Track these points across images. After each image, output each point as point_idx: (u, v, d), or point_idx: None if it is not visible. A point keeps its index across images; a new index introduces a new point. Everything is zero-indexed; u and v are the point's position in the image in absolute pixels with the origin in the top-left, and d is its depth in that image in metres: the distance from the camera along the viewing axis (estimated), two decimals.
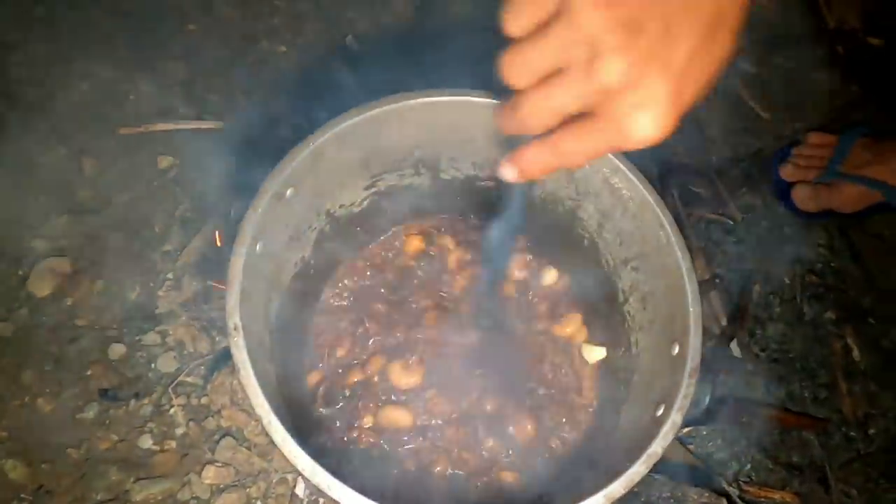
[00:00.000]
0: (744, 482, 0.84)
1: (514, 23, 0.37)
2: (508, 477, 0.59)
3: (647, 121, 0.36)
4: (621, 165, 0.60)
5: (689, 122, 1.12)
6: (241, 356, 0.47)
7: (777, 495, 0.84)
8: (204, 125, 0.92)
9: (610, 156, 0.60)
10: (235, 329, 0.48)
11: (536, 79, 0.37)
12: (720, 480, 0.75)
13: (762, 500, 0.82)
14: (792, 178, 1.04)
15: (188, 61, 0.98)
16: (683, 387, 0.50)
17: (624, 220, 0.62)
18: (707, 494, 0.66)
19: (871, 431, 0.93)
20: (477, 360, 0.63)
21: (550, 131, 0.40)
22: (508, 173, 0.43)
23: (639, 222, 0.60)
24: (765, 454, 0.87)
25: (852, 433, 0.92)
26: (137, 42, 0.96)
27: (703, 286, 0.91)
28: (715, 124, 1.12)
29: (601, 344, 0.65)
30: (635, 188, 0.59)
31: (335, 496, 0.44)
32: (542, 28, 0.36)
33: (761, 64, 1.20)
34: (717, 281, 0.94)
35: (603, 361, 0.66)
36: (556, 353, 0.65)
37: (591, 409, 0.66)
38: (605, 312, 0.66)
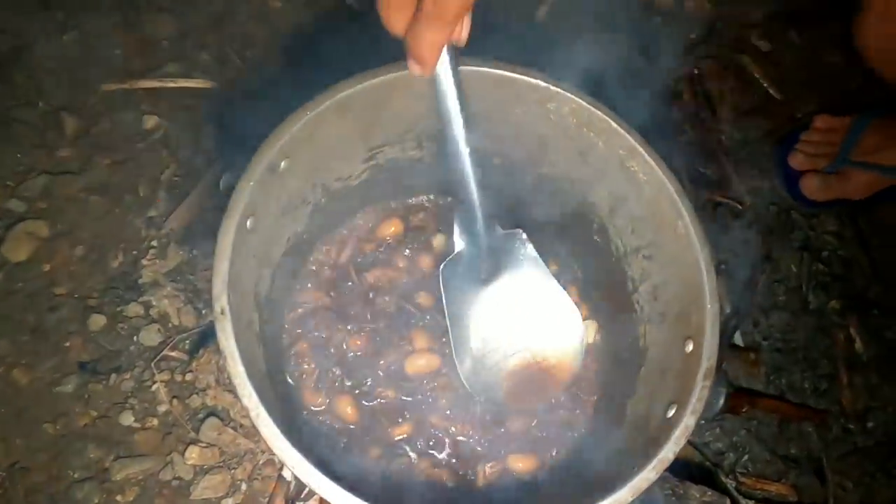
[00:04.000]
0: (741, 473, 0.83)
1: None
2: (518, 462, 0.57)
3: None
4: (638, 147, 0.56)
5: (700, 100, 1.08)
6: (228, 344, 0.43)
7: (773, 487, 0.82)
8: (193, 84, 0.87)
9: (627, 136, 0.57)
10: (223, 313, 0.45)
11: None
12: (719, 472, 0.73)
13: (758, 492, 0.81)
14: (801, 168, 1.01)
15: (178, 15, 0.92)
16: (697, 389, 0.47)
17: (638, 205, 0.58)
18: (710, 493, 0.64)
19: (870, 425, 0.92)
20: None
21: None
22: (414, 68, 0.44)
23: (654, 209, 0.56)
24: (763, 445, 0.85)
25: (851, 426, 0.91)
26: None
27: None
28: (725, 103, 1.09)
29: (608, 330, 0.63)
30: (652, 172, 0.56)
31: (325, 495, 0.42)
32: None
33: (775, 41, 1.16)
34: (723, 267, 0.92)
35: (608, 349, 0.63)
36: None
37: (594, 398, 0.63)
38: (611, 298, 0.63)
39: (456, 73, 0.46)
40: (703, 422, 0.81)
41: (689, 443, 0.76)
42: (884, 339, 0.96)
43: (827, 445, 0.88)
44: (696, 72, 1.10)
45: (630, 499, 0.43)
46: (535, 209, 0.67)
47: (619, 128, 0.56)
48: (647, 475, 0.44)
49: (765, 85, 1.12)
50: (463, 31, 0.44)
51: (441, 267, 0.57)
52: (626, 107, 0.93)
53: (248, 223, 0.50)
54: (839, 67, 1.16)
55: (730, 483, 0.79)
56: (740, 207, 0.99)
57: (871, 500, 0.86)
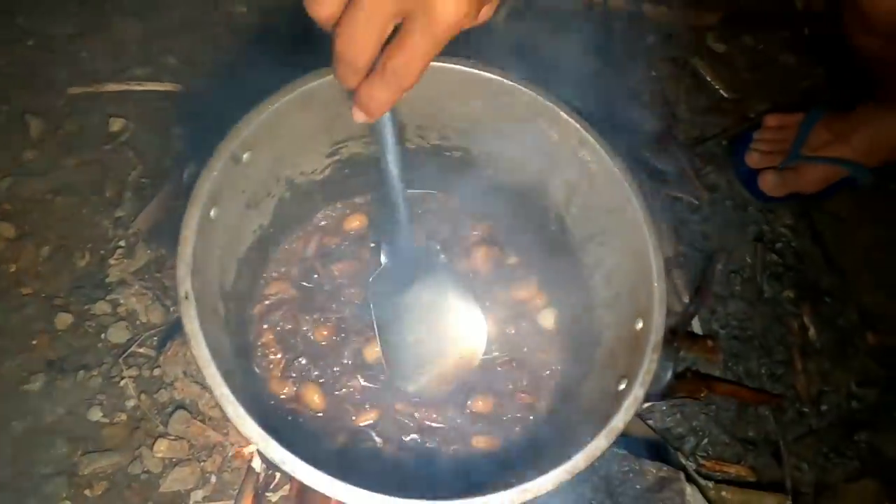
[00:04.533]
0: (701, 456, 0.85)
1: None
2: (481, 442, 0.59)
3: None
4: (590, 138, 0.59)
5: (657, 100, 1.12)
6: (191, 326, 0.45)
7: (732, 469, 0.85)
8: (160, 87, 0.88)
9: (578, 127, 0.59)
10: (186, 297, 0.46)
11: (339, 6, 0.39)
12: (677, 455, 0.75)
13: (717, 473, 0.84)
14: (758, 166, 1.05)
15: (144, 19, 0.93)
16: (646, 362, 0.49)
17: (591, 194, 0.61)
18: (665, 469, 0.66)
19: (824, 408, 0.95)
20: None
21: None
22: (358, 116, 0.44)
23: (605, 196, 0.59)
24: (721, 429, 0.88)
25: (805, 409, 0.94)
26: (91, 3, 0.91)
27: (667, 263, 0.90)
28: (681, 103, 1.13)
29: (565, 316, 0.65)
30: (602, 160, 0.58)
31: (289, 470, 0.43)
32: None
33: (729, 44, 1.21)
34: (681, 259, 0.95)
35: (566, 334, 0.65)
36: (513, 318, 0.65)
37: (553, 382, 0.65)
38: (568, 286, 0.66)
39: (393, 114, 0.49)
40: (661, 404, 0.84)
41: (646, 423, 0.78)
42: (836, 327, 1.00)
43: (783, 428, 0.91)
44: (653, 73, 1.14)
45: (584, 465, 0.45)
46: (495, 201, 0.70)
47: (569, 118, 0.59)
48: (599, 443, 0.46)
49: (718, 86, 1.16)
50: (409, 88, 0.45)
51: (370, 279, 0.61)
52: (586, 106, 0.96)
53: (212, 213, 0.52)
54: (790, 68, 1.21)
55: (690, 465, 0.82)
56: (697, 203, 1.02)
57: (825, 478, 0.89)
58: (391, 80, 0.40)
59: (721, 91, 1.16)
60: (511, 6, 0.95)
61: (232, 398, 0.44)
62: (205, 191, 0.51)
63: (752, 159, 1.06)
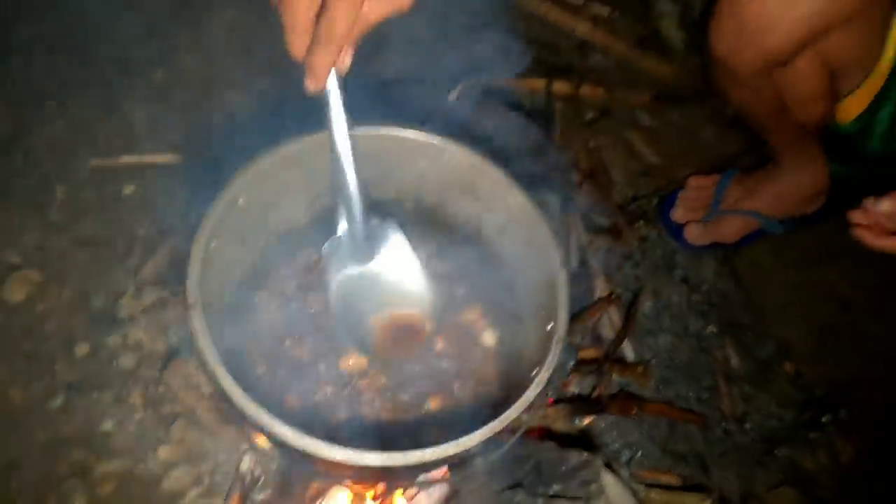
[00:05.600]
0: (635, 467, 0.97)
1: None
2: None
3: None
4: (513, 185, 0.75)
5: (596, 166, 1.29)
6: (198, 322, 0.58)
7: (663, 477, 0.96)
8: (164, 159, 1.04)
9: (503, 176, 0.75)
10: (194, 304, 0.60)
11: None
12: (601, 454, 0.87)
13: (649, 480, 0.95)
14: (682, 220, 1.21)
15: (151, 105, 1.10)
16: (552, 351, 0.63)
17: (518, 231, 0.76)
18: (586, 454, 0.78)
19: (747, 426, 1.07)
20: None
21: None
22: (309, 85, 0.54)
23: (528, 233, 0.74)
24: (654, 444, 1.00)
25: (730, 427, 1.06)
26: (108, 86, 1.08)
27: (603, 301, 1.06)
28: (617, 168, 1.30)
29: (498, 330, 0.79)
30: (524, 204, 0.74)
31: (264, 423, 0.55)
32: None
33: (657, 118, 1.39)
34: (615, 297, 1.09)
35: (504, 351, 0.79)
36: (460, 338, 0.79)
37: (495, 391, 0.78)
38: (504, 308, 0.80)
39: (341, 91, 0.58)
40: (600, 421, 0.95)
41: (575, 426, 0.89)
42: (756, 357, 1.14)
43: (710, 444, 1.03)
44: (591, 143, 1.32)
45: (500, 427, 0.58)
46: (446, 243, 0.85)
47: (497, 171, 0.75)
48: (510, 413, 0.59)
49: (649, 154, 1.34)
50: (347, 60, 0.56)
51: (323, 246, 0.69)
52: (531, 172, 1.14)
53: (213, 244, 0.66)
54: (711, 139, 1.39)
55: (624, 473, 0.93)
56: (629, 251, 1.18)
57: (749, 488, 1.01)
58: (323, 41, 0.51)
59: (651, 158, 1.33)
60: (461, 90, 1.13)
61: (224, 372, 0.57)
62: (207, 228, 0.65)
63: (678, 215, 1.22)
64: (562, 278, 0.67)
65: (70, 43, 1.10)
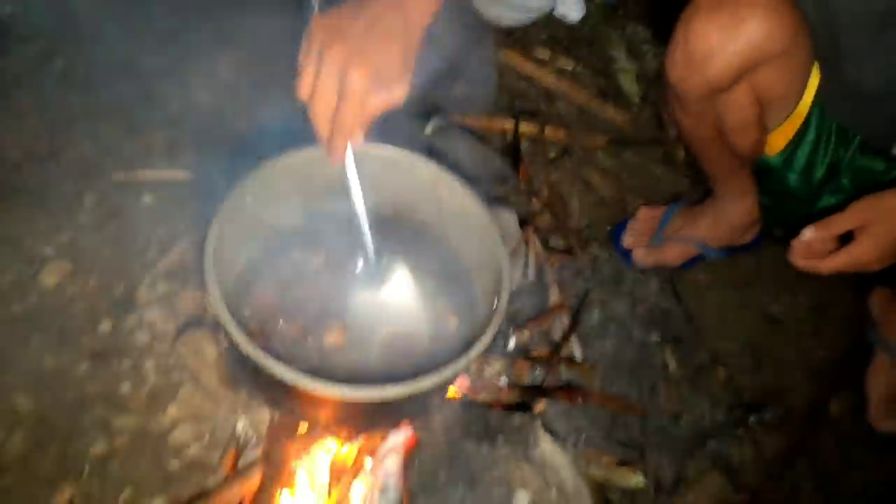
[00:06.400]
0: (581, 447, 1.10)
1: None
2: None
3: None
4: (474, 204, 0.91)
5: (556, 198, 1.46)
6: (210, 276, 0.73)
7: (605, 458, 1.10)
8: (179, 175, 1.20)
9: (465, 193, 0.91)
10: (210, 265, 0.75)
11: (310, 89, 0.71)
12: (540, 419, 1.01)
13: (592, 459, 1.09)
14: (631, 246, 1.39)
15: (169, 130, 1.27)
16: (493, 324, 0.79)
17: (469, 237, 0.92)
18: (527, 415, 0.92)
19: (682, 422, 1.22)
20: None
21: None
22: (332, 161, 0.74)
23: (484, 245, 0.90)
24: (598, 431, 1.13)
25: (666, 422, 1.20)
26: (130, 114, 1.25)
27: (556, 309, 1.21)
28: (574, 199, 1.47)
29: (458, 316, 0.94)
30: (484, 221, 0.90)
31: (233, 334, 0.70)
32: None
33: (613, 159, 1.58)
34: (566, 306, 1.25)
35: (461, 329, 0.94)
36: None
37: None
38: (467, 306, 0.95)
39: (354, 164, 0.77)
40: (549, 409, 1.10)
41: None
42: (692, 364, 1.29)
43: (648, 434, 1.17)
44: (552, 177, 1.49)
45: (451, 375, 0.73)
46: (418, 244, 1.00)
47: (457, 183, 0.91)
48: (458, 364, 0.74)
49: (604, 189, 1.52)
50: (358, 141, 0.74)
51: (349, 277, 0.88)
52: (495, 195, 1.31)
53: (225, 230, 0.81)
54: (662, 177, 1.58)
55: (569, 451, 1.07)
56: (581, 269, 1.34)
57: (682, 473, 1.15)
58: (337, 130, 0.72)
59: (606, 192, 1.51)
60: (436, 124, 1.31)
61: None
62: (217, 223, 0.81)
63: (627, 241, 1.39)
64: (505, 266, 0.83)
65: (99, 75, 1.28)
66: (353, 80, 0.68)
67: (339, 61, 0.68)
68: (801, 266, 0.90)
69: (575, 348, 1.19)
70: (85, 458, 0.87)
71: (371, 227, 0.83)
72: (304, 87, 0.71)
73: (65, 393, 0.91)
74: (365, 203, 0.86)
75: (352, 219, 0.81)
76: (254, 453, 0.91)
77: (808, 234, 0.88)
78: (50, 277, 1.01)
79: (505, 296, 0.81)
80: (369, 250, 0.85)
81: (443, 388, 0.78)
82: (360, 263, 0.88)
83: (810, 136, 1.10)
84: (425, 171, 0.93)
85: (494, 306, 0.82)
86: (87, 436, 0.88)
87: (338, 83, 0.69)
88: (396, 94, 0.71)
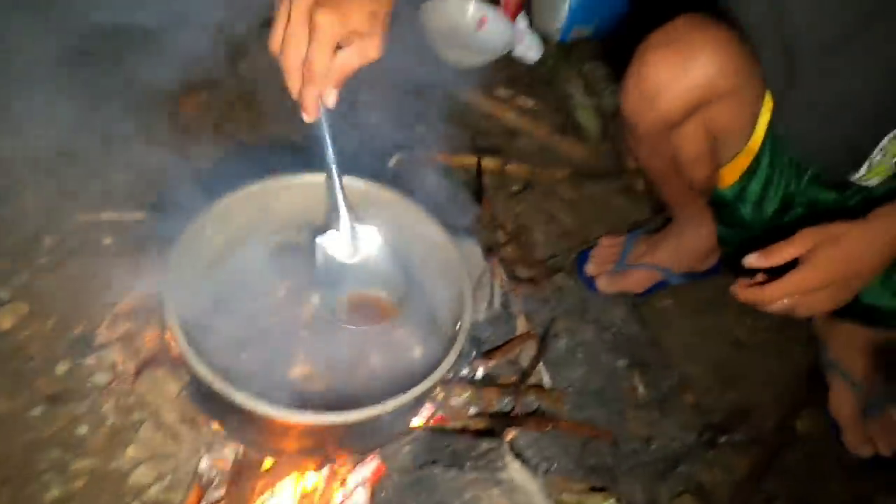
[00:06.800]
0: (552, 475, 1.09)
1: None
2: None
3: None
4: (432, 222, 0.92)
5: (519, 230, 1.48)
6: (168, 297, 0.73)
7: (576, 485, 1.09)
8: (138, 216, 1.19)
9: (433, 226, 0.92)
10: (166, 290, 0.74)
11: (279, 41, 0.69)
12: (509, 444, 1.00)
13: (563, 486, 1.07)
14: (595, 273, 1.40)
15: (130, 172, 1.27)
16: (456, 345, 0.79)
17: (433, 262, 0.93)
18: (495, 441, 0.92)
19: (653, 447, 1.22)
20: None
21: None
22: (304, 116, 0.72)
23: (452, 276, 0.91)
24: (569, 458, 1.13)
25: (637, 447, 1.20)
26: (92, 156, 1.25)
27: (522, 337, 1.22)
28: (538, 231, 1.49)
29: (422, 343, 0.94)
30: (440, 236, 0.91)
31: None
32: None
33: (574, 191, 1.61)
34: (533, 333, 1.25)
35: (426, 357, 0.94)
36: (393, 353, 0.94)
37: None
38: (426, 321, 0.95)
39: (328, 124, 0.74)
40: (519, 436, 1.09)
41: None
42: (660, 388, 1.30)
43: (619, 459, 1.17)
44: (516, 210, 1.52)
45: (419, 392, 0.73)
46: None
47: (420, 212, 0.92)
48: (427, 382, 0.74)
49: (566, 220, 1.54)
50: (331, 98, 0.72)
51: (317, 238, 0.84)
52: (459, 225, 1.32)
53: (183, 260, 0.81)
54: (622, 207, 1.61)
55: (539, 480, 1.06)
56: (546, 298, 1.35)
57: (654, 497, 1.14)
58: (307, 79, 0.68)
59: (568, 223, 1.54)
60: (399, 159, 1.33)
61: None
62: (176, 249, 0.81)
63: (591, 269, 1.41)
64: (467, 288, 0.84)
65: (60, 116, 1.27)
66: (320, 20, 0.66)
67: (308, 6, 0.66)
68: (743, 298, 0.88)
69: (543, 375, 1.19)
70: (40, 503, 0.83)
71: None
72: (274, 40, 0.69)
73: (19, 437, 0.88)
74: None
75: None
76: (218, 493, 0.89)
77: (751, 260, 0.85)
78: (4, 320, 0.99)
79: (468, 318, 0.81)
80: (343, 216, 0.83)
81: (409, 414, 0.78)
82: (333, 233, 0.84)
83: (763, 169, 1.12)
84: (390, 200, 0.94)
85: (458, 327, 0.83)
86: (42, 480, 0.85)
87: (307, 30, 0.67)
88: (370, 51, 0.69)
